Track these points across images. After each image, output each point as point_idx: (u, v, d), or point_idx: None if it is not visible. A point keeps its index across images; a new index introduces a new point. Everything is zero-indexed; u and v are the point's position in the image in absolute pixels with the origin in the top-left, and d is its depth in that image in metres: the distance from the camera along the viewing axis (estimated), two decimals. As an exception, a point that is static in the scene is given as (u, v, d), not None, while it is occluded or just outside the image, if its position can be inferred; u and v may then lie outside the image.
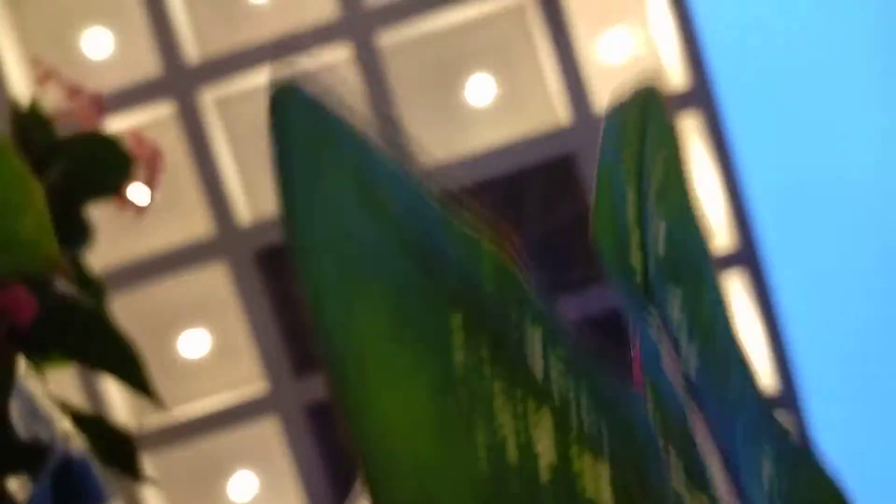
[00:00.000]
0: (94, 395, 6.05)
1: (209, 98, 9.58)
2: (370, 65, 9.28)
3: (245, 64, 9.22)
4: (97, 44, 7.59)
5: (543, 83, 9.05)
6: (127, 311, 7.21)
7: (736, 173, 8.73)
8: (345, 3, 9.06)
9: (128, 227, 8.39)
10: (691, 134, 8.98)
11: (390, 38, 8.76)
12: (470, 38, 8.88)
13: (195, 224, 9.21)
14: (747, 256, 8.74)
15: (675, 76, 9.10)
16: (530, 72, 9.28)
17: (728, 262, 9.41)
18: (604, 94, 9.39)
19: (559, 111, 8.75)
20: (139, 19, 7.06)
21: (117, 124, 7.96)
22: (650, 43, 9.36)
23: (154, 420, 8.51)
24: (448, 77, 9.31)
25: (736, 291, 9.24)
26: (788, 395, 8.35)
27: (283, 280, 9.58)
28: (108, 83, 8.57)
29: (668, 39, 8.76)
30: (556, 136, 8.82)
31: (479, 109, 9.21)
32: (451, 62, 8.96)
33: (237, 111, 10.11)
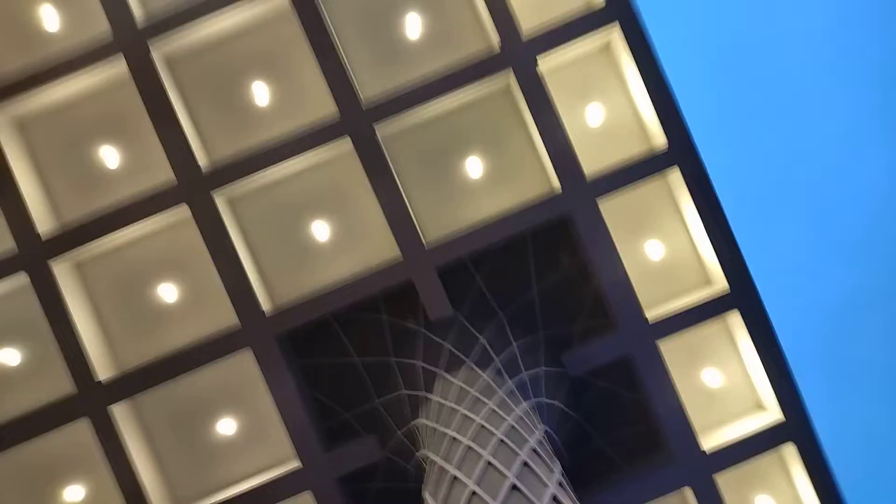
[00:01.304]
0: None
1: (222, 200, 10.19)
2: (370, 152, 9.82)
3: (253, 166, 9.83)
4: (112, 159, 8.76)
5: (536, 155, 9.49)
6: (162, 404, 7.68)
7: (724, 219, 8.96)
8: (341, 102, 9.65)
9: (156, 327, 8.85)
10: (678, 186, 9.29)
11: (387, 129, 9.30)
12: (462, 120, 9.36)
13: (222, 319, 9.56)
14: (742, 298, 9.06)
15: (656, 136, 9.47)
16: (522, 146, 9.73)
17: (724, 304, 9.58)
18: (590, 157, 9.69)
19: (552, 179, 9.18)
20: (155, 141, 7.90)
21: (162, 221, 8.63)
22: (629, 109, 9.74)
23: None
24: (446, 157, 9.77)
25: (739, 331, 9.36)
26: (795, 424, 8.42)
27: (303, 359, 9.96)
28: (128, 190, 9.21)
29: (644, 103, 9.14)
30: (550, 201, 9.21)
31: (478, 184, 9.60)
32: (448, 144, 9.43)
33: (250, 209, 10.62)
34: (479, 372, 7.98)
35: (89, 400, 9.23)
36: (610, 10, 9.67)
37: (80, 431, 9.49)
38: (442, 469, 5.82)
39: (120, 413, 9.42)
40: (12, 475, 9.77)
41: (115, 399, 9.35)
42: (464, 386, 7.54)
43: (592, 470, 9.37)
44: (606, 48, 10.36)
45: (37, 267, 9.35)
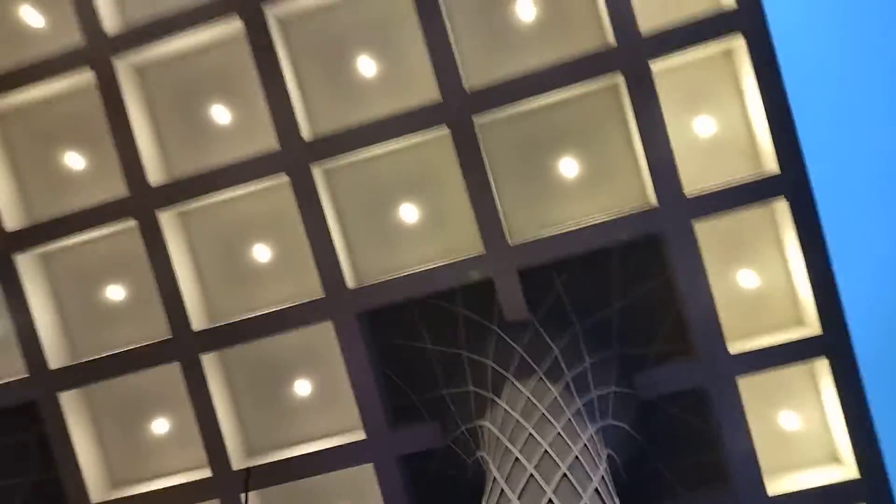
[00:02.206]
0: None
1: (319, 171, 10.40)
2: (466, 143, 9.70)
3: (352, 143, 9.87)
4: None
5: (635, 162, 9.10)
6: (247, 359, 8.11)
7: (827, 260, 8.44)
8: (444, 87, 9.49)
9: (250, 283, 9.15)
10: (784, 217, 8.76)
11: (485, 118, 9.09)
12: (562, 114, 9.05)
13: (308, 285, 9.85)
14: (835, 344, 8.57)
15: (767, 159, 8.86)
16: (621, 151, 9.34)
17: (815, 347, 9.13)
18: (692, 175, 9.24)
19: (648, 191, 8.80)
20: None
21: (241, 191, 8.93)
22: (741, 125, 9.14)
23: (263, 459, 9.26)
24: (541, 153, 9.52)
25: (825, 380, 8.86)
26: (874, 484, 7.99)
27: (378, 338, 10.19)
28: (233, 153, 9.48)
29: (760, 121, 8.54)
30: (643, 216, 8.86)
31: (570, 185, 9.33)
32: (544, 140, 9.17)
33: (344, 185, 10.77)
34: (549, 385, 7.87)
35: (183, 347, 9.77)
36: (738, 16, 8.92)
37: (172, 372, 10.25)
38: (503, 493, 5.90)
39: (208, 362, 9.95)
40: (108, 403, 10.69)
41: (206, 349, 9.88)
42: (532, 398, 7.56)
43: (649, 492, 9.22)
44: (728, 55, 9.56)
45: (145, 214, 9.84)
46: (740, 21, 8.59)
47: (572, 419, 7.03)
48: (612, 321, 9.50)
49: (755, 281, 9.57)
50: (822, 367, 9.01)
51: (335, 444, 10.05)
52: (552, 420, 6.93)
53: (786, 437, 9.55)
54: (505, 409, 7.57)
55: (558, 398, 7.52)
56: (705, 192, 8.98)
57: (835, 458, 9.51)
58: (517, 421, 6.95)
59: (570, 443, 6.73)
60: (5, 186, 10.47)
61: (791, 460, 9.56)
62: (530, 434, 6.53)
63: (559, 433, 6.69)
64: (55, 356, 10.29)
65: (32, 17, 10.42)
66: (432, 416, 9.82)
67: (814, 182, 8.84)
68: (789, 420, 9.54)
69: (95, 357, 10.15)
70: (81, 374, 10.16)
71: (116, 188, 9.97)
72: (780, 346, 8.98)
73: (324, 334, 10.26)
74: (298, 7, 9.58)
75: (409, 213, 10.02)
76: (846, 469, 9.16)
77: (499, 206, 9.35)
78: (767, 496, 8.85)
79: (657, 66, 8.89)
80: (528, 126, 9.93)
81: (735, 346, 9.15)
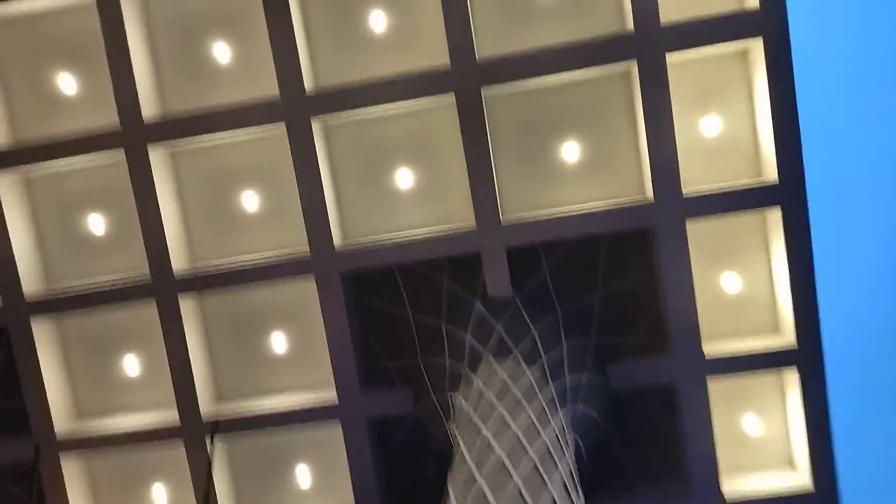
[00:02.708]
0: None
1: (318, 125, 10.17)
2: (472, 114, 9.52)
3: (356, 101, 9.63)
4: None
5: (637, 153, 9.00)
6: (225, 306, 7.98)
7: (811, 274, 8.45)
8: (457, 57, 9.20)
9: (235, 230, 9.02)
10: (775, 226, 8.74)
11: (492, 91, 8.88)
12: (569, 95, 8.88)
13: (294, 239, 9.70)
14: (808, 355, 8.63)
15: (767, 167, 8.78)
16: (624, 140, 9.23)
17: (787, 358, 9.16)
18: (691, 173, 9.17)
19: (646, 184, 8.72)
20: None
21: (235, 136, 8.74)
22: (747, 129, 9.08)
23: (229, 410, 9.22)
24: (544, 134, 9.38)
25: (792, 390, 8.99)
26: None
27: (359, 299, 10.10)
28: (231, 96, 9.21)
29: (766, 127, 8.48)
30: (637, 209, 8.80)
31: (569, 169, 9.24)
32: (548, 120, 9.02)
33: (342, 142, 10.57)
34: (525, 369, 7.91)
35: (162, 286, 9.55)
36: (760, 19, 8.78)
37: (148, 311, 9.94)
38: (471, 474, 5.94)
39: (185, 305, 9.81)
40: (80, 335, 10.44)
41: (184, 290, 9.67)
42: (507, 380, 7.60)
43: (608, 482, 9.28)
44: (743, 55, 9.43)
45: (135, 147, 9.50)
46: (762, 24, 8.45)
47: (545, 405, 7.11)
48: (593, 309, 9.52)
49: (738, 285, 9.66)
50: (792, 378, 9.16)
51: (305, 399, 10.06)
52: (525, 404, 6.99)
53: (746, 440, 9.77)
54: (479, 387, 7.62)
55: (533, 381, 7.58)
56: (703, 193, 8.96)
57: (790, 464, 9.67)
58: (490, 403, 6.99)
59: (540, 428, 6.80)
60: (-8, 102, 10.18)
61: (749, 462, 9.76)
62: (503, 416, 6.57)
63: (532, 421, 6.75)
64: (30, 283, 10.10)
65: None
66: (406, 383, 9.73)
67: (811, 195, 8.88)
68: (752, 424, 9.74)
69: (71, 288, 10.07)
70: (55, 304, 9.97)
71: (108, 117, 9.67)
72: (754, 353, 9.14)
73: (305, 290, 10.17)
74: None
75: (404, 178, 9.78)
76: (799, 477, 9.31)
77: (496, 183, 9.24)
78: (723, 498, 9.00)
79: (672, 58, 8.82)
80: (533, 104, 9.76)
81: (710, 347, 9.21)
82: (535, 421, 6.71)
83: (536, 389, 7.23)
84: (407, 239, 9.42)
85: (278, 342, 10.53)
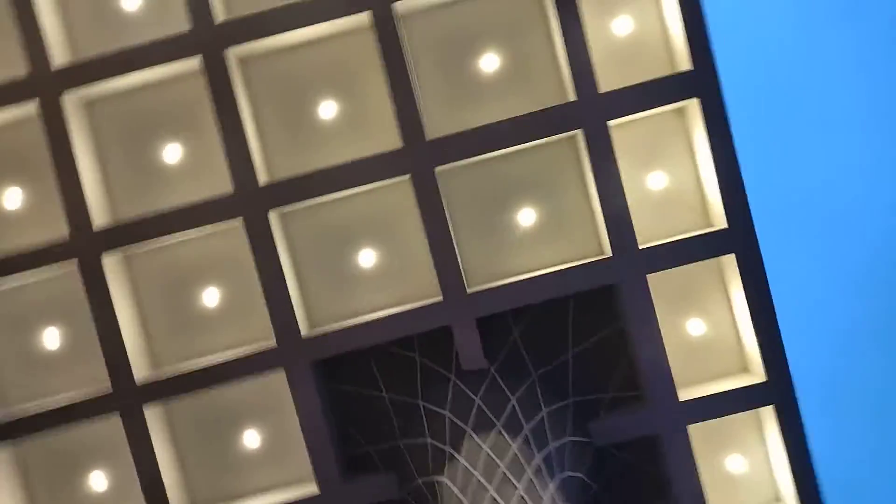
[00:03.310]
0: None
1: (275, 215, 10.07)
2: (426, 188, 9.57)
3: (312, 189, 9.63)
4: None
5: (591, 213, 9.19)
6: (192, 409, 7.64)
7: (772, 311, 8.68)
8: (408, 139, 9.42)
9: (197, 330, 8.79)
10: (731, 271, 8.95)
11: (447, 167, 8.96)
12: (519, 163, 9.09)
13: (258, 330, 9.48)
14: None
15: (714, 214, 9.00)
16: (577, 202, 9.43)
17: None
18: (645, 223, 9.42)
19: (603, 242, 8.89)
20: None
21: (214, 228, 8.53)
22: (692, 180, 9.41)
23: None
24: (499, 202, 9.51)
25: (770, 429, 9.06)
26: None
27: (331, 386, 9.86)
28: (184, 195, 8.99)
29: (710, 179, 8.78)
30: (597, 266, 8.94)
31: (527, 234, 9.38)
32: (502, 189, 9.18)
33: (299, 229, 10.52)
34: (508, 440, 7.81)
35: (125, 398, 9.07)
36: (693, 80, 9.26)
37: (112, 424, 9.37)
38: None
39: (150, 414, 9.36)
40: (41, 461, 9.88)
41: (149, 400, 9.20)
42: (491, 454, 7.49)
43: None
44: (680, 112, 9.95)
45: (88, 257, 9.10)
46: (696, 85, 8.94)
47: (534, 478, 7.00)
48: (567, 368, 9.56)
49: (703, 329, 9.86)
50: (768, 414, 9.32)
51: (286, 498, 9.67)
52: (513, 480, 6.88)
53: (733, 480, 9.79)
54: (464, 466, 7.47)
55: (518, 454, 7.49)
56: (658, 245, 9.23)
57: (777, 500, 9.87)
58: (478, 481, 6.86)
59: (531, 503, 6.68)
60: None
61: (738, 501, 9.86)
62: (492, 496, 6.44)
63: (521, 494, 6.64)
64: (-19, 406, 9.69)
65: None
66: (388, 466, 9.51)
67: (760, 236, 9.24)
68: (737, 464, 9.79)
69: (27, 408, 9.60)
70: (9, 428, 9.48)
71: (57, 229, 9.43)
72: (727, 392, 9.29)
73: (274, 382, 9.90)
74: (260, 48, 9.35)
75: (366, 258, 9.77)
76: (787, 509, 9.54)
77: (458, 255, 9.31)
78: (717, 541, 9.10)
79: (614, 122, 9.18)
80: (486, 174, 9.96)
81: (685, 394, 9.34)
82: (525, 496, 6.60)
83: (523, 461, 7.15)
84: (374, 318, 9.44)
85: (251, 440, 10.15)
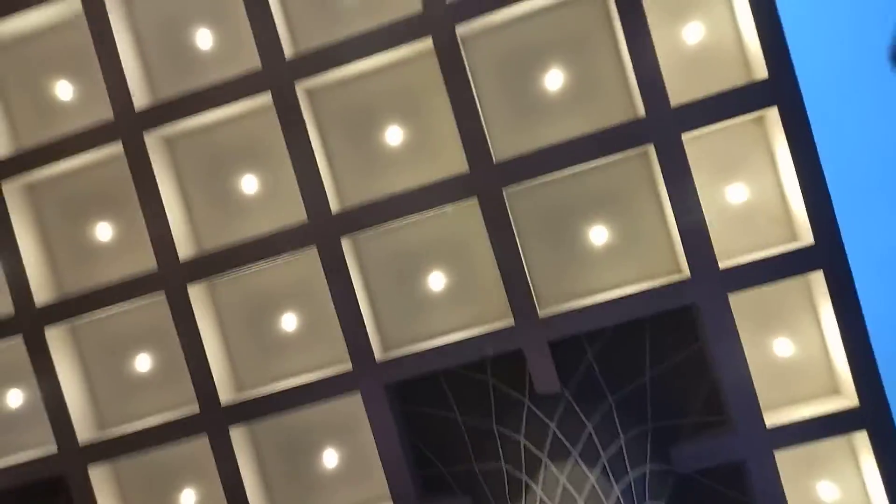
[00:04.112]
0: None
1: (347, 242, 10.23)
2: (495, 210, 9.46)
3: (381, 216, 9.66)
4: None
5: (667, 231, 8.84)
6: (275, 430, 7.79)
7: (864, 331, 8.12)
8: (475, 162, 9.35)
9: (277, 354, 8.92)
10: (819, 289, 8.38)
11: (515, 188, 8.84)
12: (591, 181, 8.85)
13: (335, 355, 9.62)
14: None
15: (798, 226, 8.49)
16: (651, 219, 9.11)
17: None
18: (726, 239, 8.99)
19: (680, 260, 8.54)
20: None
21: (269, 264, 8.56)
22: (774, 193, 8.91)
23: None
24: (570, 221, 9.31)
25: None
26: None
27: (406, 407, 9.88)
28: (260, 226, 9.23)
29: (794, 191, 8.30)
30: (676, 288, 8.61)
31: (600, 253, 9.13)
32: (573, 207, 8.98)
33: (371, 253, 10.58)
34: (586, 470, 7.71)
35: (210, 419, 9.45)
36: (770, 88, 8.73)
37: (200, 444, 9.87)
38: None
39: (236, 434, 9.60)
40: (135, 474, 10.65)
41: (233, 420, 9.51)
42: (568, 486, 7.35)
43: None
44: (759, 121, 9.43)
45: (175, 288, 9.52)
46: (774, 93, 8.45)
47: (613, 509, 6.83)
48: (645, 393, 9.26)
49: (790, 350, 9.32)
50: (862, 441, 8.71)
51: (364, 516, 9.82)
52: (593, 512, 6.71)
53: (825, 509, 9.31)
54: (540, 498, 7.33)
55: (595, 485, 7.30)
56: (740, 264, 8.80)
57: (876, 531, 9.24)
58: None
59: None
60: (35, 258, 10.48)
61: (832, 533, 9.30)
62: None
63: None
64: (83, 428, 10.18)
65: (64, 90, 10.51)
66: (461, 488, 9.50)
67: (850, 251, 8.65)
68: (828, 491, 9.25)
69: (122, 431, 10.10)
70: (108, 448, 10.04)
71: (146, 261, 9.86)
72: (817, 418, 8.76)
73: (351, 403, 10.07)
74: (327, 79, 9.44)
75: (436, 281, 9.78)
76: (888, 544, 8.90)
77: (528, 277, 9.17)
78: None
79: (688, 136, 8.80)
80: (556, 193, 9.76)
81: (772, 418, 8.89)
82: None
83: (601, 495, 6.95)
84: (447, 343, 9.39)
85: (330, 459, 10.37)
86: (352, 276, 9.65)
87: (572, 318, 9.10)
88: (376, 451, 9.74)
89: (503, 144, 9.42)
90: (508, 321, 9.16)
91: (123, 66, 9.66)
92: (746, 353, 8.76)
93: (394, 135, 9.81)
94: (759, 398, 8.77)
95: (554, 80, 9.44)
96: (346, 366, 9.66)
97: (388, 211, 9.46)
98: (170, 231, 9.65)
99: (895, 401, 8.57)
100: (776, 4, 8.71)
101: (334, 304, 9.63)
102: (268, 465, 10.34)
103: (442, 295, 9.92)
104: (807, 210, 8.62)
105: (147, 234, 9.70)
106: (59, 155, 9.86)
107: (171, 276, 9.68)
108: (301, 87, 9.48)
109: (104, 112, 9.81)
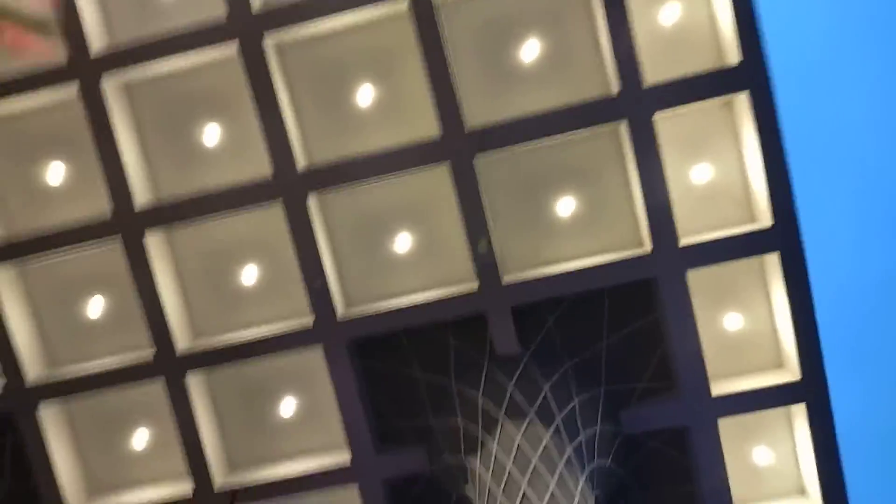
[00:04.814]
0: None
1: (314, 199, 10.08)
2: (464, 176, 9.40)
3: (349, 175, 9.42)
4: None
5: (631, 205, 8.99)
6: (233, 378, 7.73)
7: (812, 312, 8.45)
8: (447, 128, 9.24)
9: (235, 307, 8.86)
10: (773, 270, 8.70)
11: (487, 156, 8.79)
12: (561, 154, 8.88)
13: (297, 308, 9.56)
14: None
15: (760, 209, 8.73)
16: (618, 193, 9.22)
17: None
18: (688, 218, 9.18)
19: (643, 234, 8.74)
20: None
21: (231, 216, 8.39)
22: (737, 175, 9.08)
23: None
24: (538, 191, 9.35)
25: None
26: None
27: (368, 361, 9.91)
28: (225, 177, 8.94)
29: (756, 173, 8.50)
30: (637, 261, 8.82)
31: (566, 224, 9.22)
32: (542, 178, 9.00)
33: (337, 211, 10.46)
34: (541, 428, 7.90)
35: (167, 364, 9.40)
36: (742, 73, 8.77)
37: (155, 388, 9.79)
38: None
39: (193, 380, 9.58)
40: (89, 415, 10.43)
41: (191, 366, 9.52)
42: (523, 444, 7.59)
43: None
44: (728, 104, 9.46)
45: (132, 234, 9.30)
46: (745, 78, 8.52)
47: (565, 472, 7.10)
48: (600, 358, 9.54)
49: (740, 324, 9.70)
50: (800, 411, 9.24)
51: (319, 464, 9.95)
52: (546, 473, 6.97)
53: (759, 471, 9.85)
54: (496, 454, 7.59)
55: (550, 445, 7.57)
56: (699, 242, 9.02)
57: (802, 492, 9.80)
58: (510, 473, 6.96)
59: (561, 496, 6.78)
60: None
61: (762, 492, 9.89)
62: (524, 492, 6.56)
63: (551, 486, 6.74)
64: (34, 369, 9.94)
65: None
66: (420, 441, 9.67)
67: (805, 235, 8.95)
68: (763, 455, 9.82)
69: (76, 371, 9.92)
70: (62, 388, 9.80)
71: (99, 205, 9.50)
72: (760, 389, 9.22)
73: (310, 354, 10.09)
74: (297, 34, 9.10)
75: (403, 242, 9.74)
76: (811, 502, 9.56)
77: (494, 243, 9.27)
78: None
79: (659, 115, 8.84)
80: (525, 164, 9.73)
81: (718, 388, 9.29)
82: (557, 491, 6.70)
83: (555, 453, 7.23)
84: (410, 304, 9.41)
85: (287, 408, 10.42)
86: (317, 235, 9.52)
87: (535, 287, 9.24)
88: (334, 401, 9.84)
89: (476, 111, 9.28)
90: (472, 285, 9.34)
91: (80, 9, 9.11)
92: (699, 326, 9.12)
93: (365, 94, 9.54)
94: (708, 368, 9.19)
95: (530, 50, 9.29)
96: (307, 319, 9.65)
97: (357, 171, 9.25)
98: (126, 177, 9.29)
99: (832, 378, 9.11)
100: (754, -10, 8.72)
101: (298, 259, 9.53)
102: (224, 411, 10.25)
103: (408, 256, 9.88)
104: (768, 194, 8.84)
105: (103, 179, 9.49)
106: (9, 93, 9.36)
107: (127, 223, 9.40)
108: (270, 40, 9.12)
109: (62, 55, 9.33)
